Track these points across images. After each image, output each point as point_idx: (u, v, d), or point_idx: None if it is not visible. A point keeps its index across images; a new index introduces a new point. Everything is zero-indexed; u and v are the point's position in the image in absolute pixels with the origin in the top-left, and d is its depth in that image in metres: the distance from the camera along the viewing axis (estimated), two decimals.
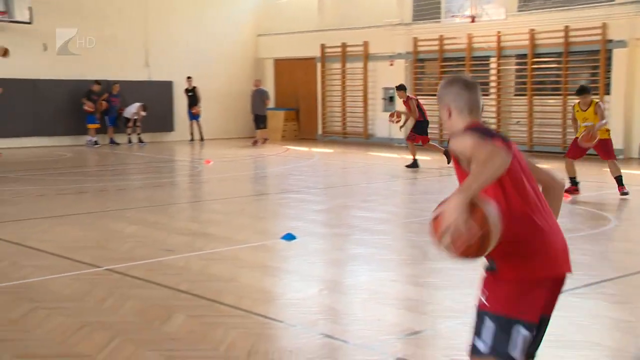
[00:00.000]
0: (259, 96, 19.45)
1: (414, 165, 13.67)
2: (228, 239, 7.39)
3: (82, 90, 19.06)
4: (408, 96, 14.11)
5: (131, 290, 5.40)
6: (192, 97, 20.43)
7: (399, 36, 19.15)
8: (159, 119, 20.54)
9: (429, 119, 14.36)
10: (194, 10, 21.30)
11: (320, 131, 21.50)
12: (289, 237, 7.26)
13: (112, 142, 19.45)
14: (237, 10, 22.29)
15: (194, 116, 20.48)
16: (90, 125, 19.01)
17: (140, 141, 19.74)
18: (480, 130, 2.45)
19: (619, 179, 10.01)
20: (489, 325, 2.38)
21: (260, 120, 19.44)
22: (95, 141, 18.93)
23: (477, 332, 2.42)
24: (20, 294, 5.34)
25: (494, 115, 17.82)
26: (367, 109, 20.48)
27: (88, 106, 18.75)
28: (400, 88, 14.23)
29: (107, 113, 19.30)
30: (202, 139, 20.59)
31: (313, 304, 5.14)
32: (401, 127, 14.60)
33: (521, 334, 2.36)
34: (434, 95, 16.47)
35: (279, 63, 22.67)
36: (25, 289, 5.48)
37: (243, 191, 11.46)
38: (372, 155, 16.94)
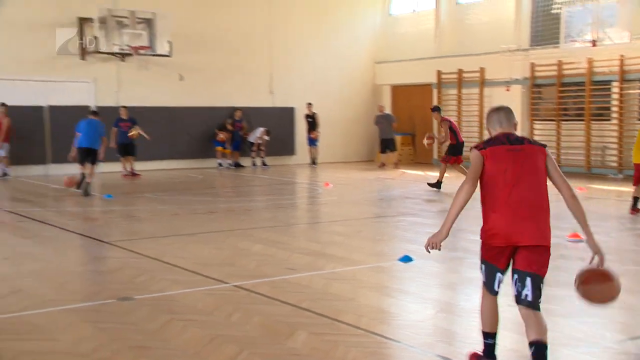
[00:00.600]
0: (386, 120, 19.59)
1: (437, 185, 13.54)
2: (347, 260, 7.42)
3: (212, 115, 19.69)
4: (442, 117, 13.94)
5: (257, 306, 5.50)
6: (312, 122, 20.68)
7: (516, 62, 18.70)
8: (281, 143, 20.85)
9: (465, 140, 14.09)
10: (316, 39, 21.70)
11: (435, 156, 21.26)
12: (406, 259, 7.20)
13: (238, 165, 19.83)
14: (357, 39, 22.49)
15: (312, 141, 20.70)
16: (220, 149, 19.53)
17: (264, 164, 20.03)
18: (487, 141, 3.78)
19: None
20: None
21: (389, 144, 19.53)
22: (230, 164, 19.46)
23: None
24: (159, 305, 5.56)
25: (615, 140, 17.09)
26: (482, 134, 20.11)
27: (222, 135, 19.25)
28: (435, 110, 14.20)
29: (232, 138, 19.81)
30: (314, 163, 20.67)
31: (429, 325, 5.07)
32: (433, 143, 14.41)
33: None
34: (551, 120, 15.68)
35: (396, 89, 22.69)
36: (163, 301, 5.70)
37: (361, 213, 11.40)
38: None
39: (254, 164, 20.06)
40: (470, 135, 20.44)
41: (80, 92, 18.31)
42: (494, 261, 3.82)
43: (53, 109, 17.87)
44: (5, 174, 16.79)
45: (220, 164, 19.49)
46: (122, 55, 18.26)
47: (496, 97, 19.41)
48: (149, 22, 18.00)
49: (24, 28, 17.41)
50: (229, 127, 19.37)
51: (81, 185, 13.25)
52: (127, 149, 17.17)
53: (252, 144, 20.04)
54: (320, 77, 21.66)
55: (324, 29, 21.88)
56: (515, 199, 3.68)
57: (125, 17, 17.71)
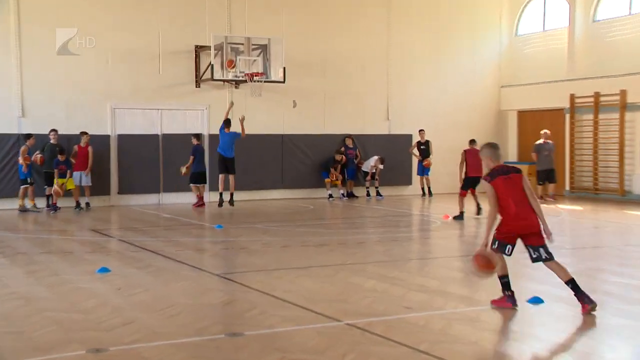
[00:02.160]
0: (548, 149, 19.06)
1: (460, 217, 14.28)
2: (469, 299, 7.26)
3: (324, 143, 19.86)
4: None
5: (371, 347, 5.41)
6: (425, 150, 20.39)
7: None
8: (396, 172, 20.72)
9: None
10: (436, 63, 21.53)
11: (567, 187, 20.45)
12: (536, 300, 6.96)
13: (351, 195, 19.84)
14: (480, 62, 22.17)
15: (424, 170, 20.35)
16: (328, 181, 19.52)
17: (378, 194, 19.94)
18: (491, 174, 6.45)
19: None
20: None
21: (550, 175, 18.97)
22: (342, 194, 19.49)
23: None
24: (269, 342, 5.58)
25: None
26: (623, 164, 19.13)
27: (334, 174, 19.38)
28: (472, 142, 15.38)
29: (345, 166, 19.78)
30: (430, 194, 20.26)
31: None
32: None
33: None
34: None
35: (523, 115, 22.05)
36: (274, 338, 5.72)
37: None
38: (629, 215, 15.80)
39: (367, 194, 19.98)
40: (609, 165, 19.43)
41: (194, 119, 18.88)
42: (509, 240, 6.55)
43: (166, 137, 18.42)
44: (87, 205, 16.92)
45: (330, 196, 19.45)
46: (236, 83, 18.70)
47: (639, 123, 18.48)
48: (264, 48, 18.35)
49: (141, 57, 18.23)
50: (338, 158, 19.42)
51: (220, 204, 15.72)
52: (199, 177, 17.38)
53: (365, 173, 19.99)
54: (439, 103, 21.41)
55: (445, 53, 21.66)
56: (518, 209, 6.50)
57: (241, 44, 18.06)
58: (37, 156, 16.31)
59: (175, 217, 15.20)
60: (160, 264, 9.36)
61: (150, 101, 18.46)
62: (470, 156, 14.73)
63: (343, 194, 19.76)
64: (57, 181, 16.18)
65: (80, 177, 16.89)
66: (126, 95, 18.24)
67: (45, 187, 16.47)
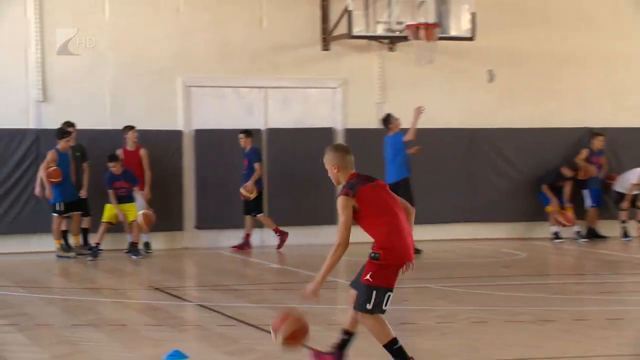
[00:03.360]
0: None
1: None
2: None
3: (544, 144, 19.72)
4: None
5: None
6: None
7: None
8: None
9: None
10: None
11: None
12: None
13: (593, 233, 19.49)
14: None
15: None
16: (551, 208, 19.17)
17: None
18: (348, 184, 7.55)
19: None
20: (373, 294, 7.41)
21: None
22: (578, 232, 19.23)
23: (367, 299, 7.41)
24: None
25: None
26: None
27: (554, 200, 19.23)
28: None
29: (585, 185, 19.36)
30: None
31: None
32: None
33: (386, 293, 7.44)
34: None
35: None
36: None
37: None
38: None
39: (624, 235, 19.61)
40: None
41: (319, 104, 19.21)
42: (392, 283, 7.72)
43: (274, 133, 18.88)
44: (146, 247, 17.43)
45: (556, 235, 19.27)
46: (390, 41, 18.62)
47: None
48: None
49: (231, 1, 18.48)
50: (567, 173, 19.09)
51: None
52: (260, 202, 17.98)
53: (620, 195, 19.59)
54: None
55: None
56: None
57: None
58: (50, 170, 16.56)
59: (289, 269, 15.56)
60: (269, 348, 9.18)
61: (247, 74, 18.72)
62: None
63: (579, 233, 19.48)
64: (116, 207, 16.73)
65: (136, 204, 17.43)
66: (207, 65, 18.53)
67: (81, 217, 17.03)
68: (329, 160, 7.61)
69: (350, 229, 7.35)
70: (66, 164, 16.62)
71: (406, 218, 7.50)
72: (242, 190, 17.49)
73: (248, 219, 17.77)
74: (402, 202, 7.67)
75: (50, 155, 16.49)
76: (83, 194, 16.87)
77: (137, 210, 16.88)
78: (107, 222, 16.49)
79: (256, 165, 17.46)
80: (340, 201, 7.37)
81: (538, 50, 19.90)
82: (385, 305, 7.35)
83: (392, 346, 7.42)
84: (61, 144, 16.52)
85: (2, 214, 17.37)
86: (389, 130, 16.80)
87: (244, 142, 17.54)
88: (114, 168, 16.56)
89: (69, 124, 16.84)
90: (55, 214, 16.67)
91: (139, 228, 16.79)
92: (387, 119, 16.82)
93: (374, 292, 7.33)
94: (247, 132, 17.75)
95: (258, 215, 17.65)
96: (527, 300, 12.43)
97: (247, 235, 17.86)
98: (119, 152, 17.16)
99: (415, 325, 10.70)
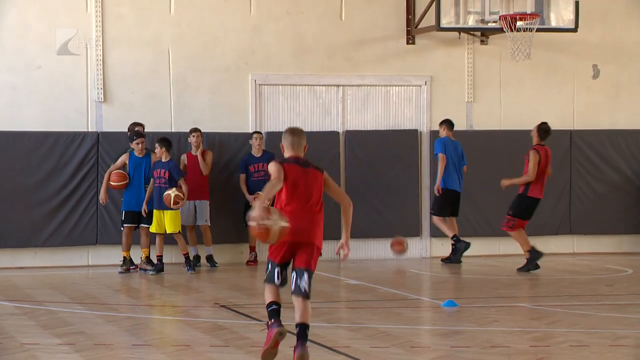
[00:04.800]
0: None
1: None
2: None
3: None
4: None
5: None
6: None
7: None
8: None
9: None
10: None
11: None
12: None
13: None
14: None
15: None
16: None
17: None
18: (285, 159, 9.32)
19: None
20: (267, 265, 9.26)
21: None
22: None
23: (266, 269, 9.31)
24: None
25: None
26: None
27: None
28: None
29: None
30: None
31: None
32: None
33: (274, 267, 9.13)
34: None
35: None
36: None
37: None
38: None
39: None
40: None
41: (403, 102, 19.13)
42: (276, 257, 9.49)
43: (352, 135, 18.67)
44: (209, 261, 17.64)
45: None
46: (483, 33, 18.70)
47: None
48: None
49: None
50: None
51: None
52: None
53: None
54: None
55: None
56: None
57: None
58: (112, 172, 16.61)
59: (367, 285, 15.45)
60: None
61: (324, 71, 18.71)
62: None
63: None
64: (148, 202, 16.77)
65: (195, 210, 17.45)
66: (280, 62, 18.58)
67: (135, 227, 17.07)
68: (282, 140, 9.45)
69: (273, 188, 8.87)
70: (139, 169, 16.64)
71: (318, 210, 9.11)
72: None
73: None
74: (339, 194, 9.59)
75: (121, 158, 16.63)
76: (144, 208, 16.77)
77: (197, 221, 17.27)
78: (156, 232, 16.47)
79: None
80: (270, 166, 9.02)
81: None
82: (277, 278, 8.98)
83: (267, 308, 9.12)
84: (135, 147, 16.56)
85: (59, 223, 17.33)
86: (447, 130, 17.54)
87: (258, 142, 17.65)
88: (158, 151, 16.41)
89: (136, 124, 16.89)
90: (123, 224, 16.87)
91: (181, 239, 16.84)
92: (448, 124, 17.63)
93: (267, 264, 9.09)
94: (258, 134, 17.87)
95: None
96: (633, 322, 12.18)
97: (252, 246, 18.03)
98: (182, 157, 17.27)
99: (507, 348, 10.55)
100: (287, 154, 9.27)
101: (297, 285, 8.90)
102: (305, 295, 8.91)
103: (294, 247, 8.91)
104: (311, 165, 9.25)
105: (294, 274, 8.89)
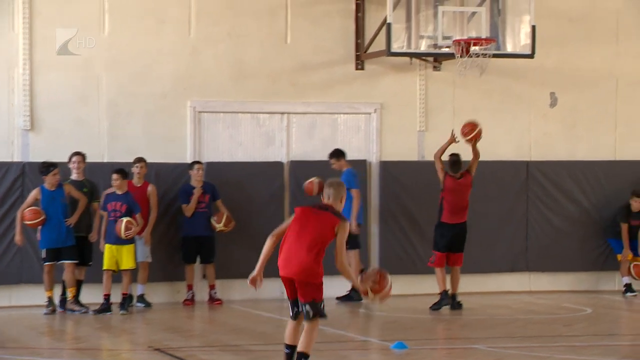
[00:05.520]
0: None
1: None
2: None
3: (617, 180, 19.60)
4: None
5: None
6: None
7: None
8: None
9: None
10: None
11: None
12: None
13: None
14: None
15: None
16: (626, 258, 19.06)
17: None
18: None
19: None
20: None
21: None
22: (628, 286, 18.86)
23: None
24: None
25: None
26: None
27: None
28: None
29: None
30: None
31: None
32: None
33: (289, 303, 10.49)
34: None
35: None
36: None
37: None
38: None
39: None
40: None
41: (351, 132, 19.04)
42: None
43: (297, 167, 18.49)
44: (140, 301, 17.47)
45: (628, 288, 18.96)
46: (435, 59, 18.58)
47: None
48: None
49: (247, 11, 18.39)
50: (636, 207, 18.85)
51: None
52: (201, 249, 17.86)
53: None
54: None
55: None
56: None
57: None
58: (25, 210, 16.39)
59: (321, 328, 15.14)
60: None
61: (268, 98, 18.53)
62: None
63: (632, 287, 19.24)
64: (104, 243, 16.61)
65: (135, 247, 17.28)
66: (221, 87, 18.38)
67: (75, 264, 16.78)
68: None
69: (279, 233, 10.19)
70: (55, 203, 16.36)
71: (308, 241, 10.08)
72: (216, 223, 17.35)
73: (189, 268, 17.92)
74: (337, 248, 10.19)
75: (31, 194, 16.50)
76: (93, 237, 16.69)
77: (137, 257, 16.89)
78: (108, 269, 16.33)
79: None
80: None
81: (607, 70, 19.76)
82: (291, 312, 10.22)
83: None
84: (47, 180, 16.31)
85: None
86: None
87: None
88: (116, 184, 16.40)
89: (77, 153, 16.65)
90: (44, 263, 16.60)
91: (129, 277, 16.77)
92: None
93: None
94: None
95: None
96: None
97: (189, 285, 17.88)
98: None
99: None
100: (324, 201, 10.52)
101: (303, 312, 10.03)
102: (310, 317, 9.97)
103: (289, 282, 10.11)
104: (329, 210, 10.26)
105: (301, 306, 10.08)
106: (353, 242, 17.29)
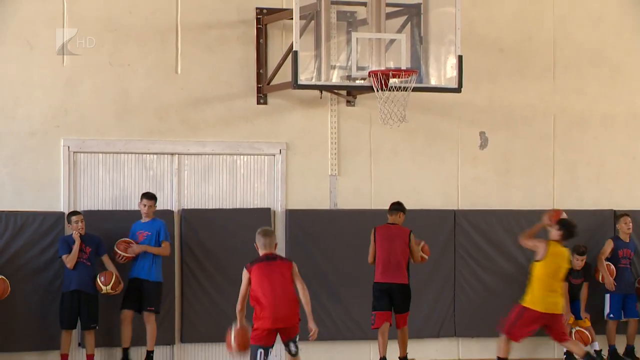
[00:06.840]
0: None
1: None
2: None
3: None
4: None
5: None
6: None
7: None
8: None
9: None
10: None
11: None
12: None
13: (616, 355, 19.24)
14: None
15: None
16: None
17: None
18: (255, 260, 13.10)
19: None
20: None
21: None
22: (569, 354, 18.70)
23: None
24: None
25: None
26: None
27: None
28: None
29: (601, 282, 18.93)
30: None
31: None
32: None
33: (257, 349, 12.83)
34: None
35: None
36: None
37: None
38: None
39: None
40: None
41: (252, 175, 18.39)
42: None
43: (191, 215, 17.88)
44: None
45: (568, 355, 18.83)
46: (349, 92, 18.18)
47: None
48: (411, 14, 17.63)
49: (133, 35, 17.87)
50: (577, 264, 18.91)
51: None
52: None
53: None
54: None
55: None
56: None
57: (362, 4, 17.55)
58: None
59: None
60: None
61: (155, 136, 17.86)
62: None
63: (599, 353, 19.04)
64: None
65: None
66: (100, 124, 17.61)
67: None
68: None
69: (244, 295, 12.32)
70: None
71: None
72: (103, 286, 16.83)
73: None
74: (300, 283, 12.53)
75: None
76: None
77: None
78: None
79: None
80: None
81: (543, 107, 19.65)
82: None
83: None
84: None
85: None
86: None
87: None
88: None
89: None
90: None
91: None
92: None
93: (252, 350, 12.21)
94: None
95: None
96: None
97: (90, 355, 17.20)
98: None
99: None
100: (260, 252, 12.58)
101: (288, 352, 12.32)
102: (296, 354, 12.27)
103: (277, 332, 12.20)
104: (278, 258, 12.69)
105: (285, 346, 12.22)
106: None
